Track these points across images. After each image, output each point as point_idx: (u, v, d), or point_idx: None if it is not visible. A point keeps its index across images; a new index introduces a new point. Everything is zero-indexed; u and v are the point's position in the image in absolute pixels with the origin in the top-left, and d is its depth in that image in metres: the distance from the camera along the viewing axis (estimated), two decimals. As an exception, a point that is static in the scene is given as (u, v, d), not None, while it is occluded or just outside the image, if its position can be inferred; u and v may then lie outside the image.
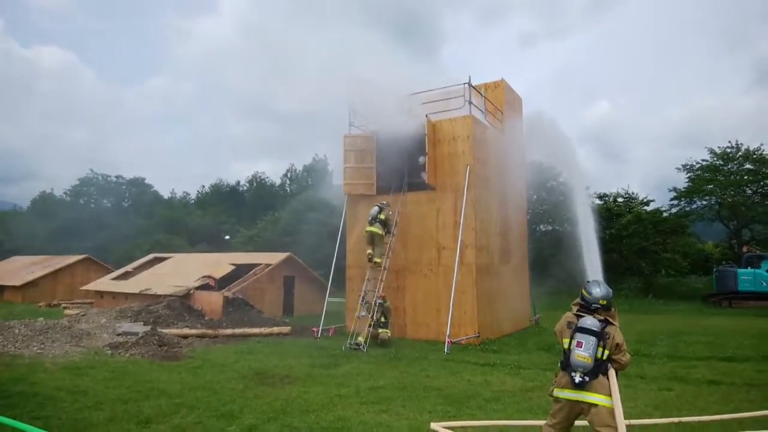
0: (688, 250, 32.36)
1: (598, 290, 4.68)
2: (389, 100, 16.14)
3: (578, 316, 4.69)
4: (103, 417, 6.42)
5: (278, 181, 61.79)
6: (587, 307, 4.69)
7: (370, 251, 14.12)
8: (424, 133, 14.31)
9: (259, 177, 62.81)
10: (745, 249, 28.91)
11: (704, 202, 33.71)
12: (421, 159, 14.63)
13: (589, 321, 4.53)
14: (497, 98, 16.78)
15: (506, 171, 15.72)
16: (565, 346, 4.66)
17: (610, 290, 4.73)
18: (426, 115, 14.40)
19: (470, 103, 14.42)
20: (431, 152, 14.34)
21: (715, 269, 28.05)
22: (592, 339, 4.44)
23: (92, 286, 23.85)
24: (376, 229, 13.97)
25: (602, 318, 4.59)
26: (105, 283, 23.72)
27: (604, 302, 4.63)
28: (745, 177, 31.52)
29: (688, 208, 33.93)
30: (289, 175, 60.56)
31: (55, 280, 28.50)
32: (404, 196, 14.97)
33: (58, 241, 46.72)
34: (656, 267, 30.87)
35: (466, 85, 14.55)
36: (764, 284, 24.38)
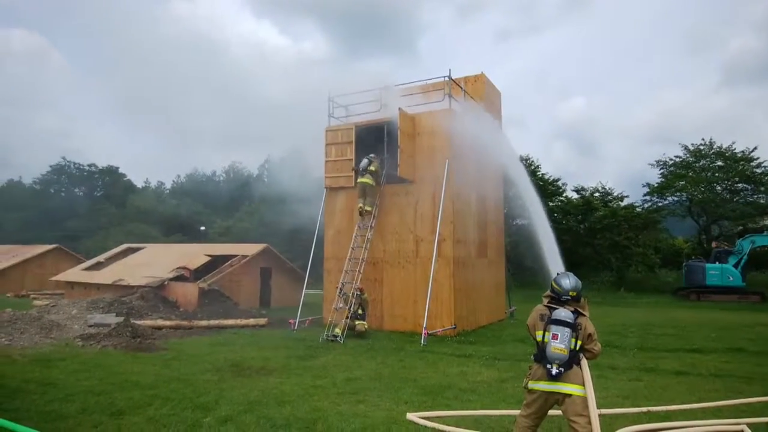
0: (659, 245, 33.19)
1: (568, 282, 4.73)
2: (369, 93, 16.11)
3: (550, 308, 4.75)
4: (74, 409, 6.30)
5: (255, 172, 61.13)
6: (558, 299, 4.75)
7: (360, 205, 14.37)
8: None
9: (236, 167, 62.07)
10: (713, 244, 29.79)
11: (676, 198, 34.54)
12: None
13: (563, 313, 4.59)
14: (477, 92, 16.86)
15: (484, 164, 15.83)
16: (539, 338, 4.72)
17: (579, 282, 4.80)
18: (399, 108, 14.31)
19: (450, 96, 14.45)
20: (408, 145, 14.33)
21: (684, 264, 28.84)
22: (567, 330, 4.50)
23: (63, 276, 23.28)
24: (368, 180, 14.29)
25: (573, 309, 4.66)
26: (76, 273, 23.17)
27: (574, 293, 4.69)
28: (716, 174, 32.39)
29: (660, 204, 34.72)
30: (266, 166, 59.93)
31: (24, 270, 27.74)
32: (383, 188, 14.97)
33: (27, 230, 45.46)
34: (627, 261, 31.63)
35: (447, 79, 14.57)
36: (731, 279, 25.17)
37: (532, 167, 35.22)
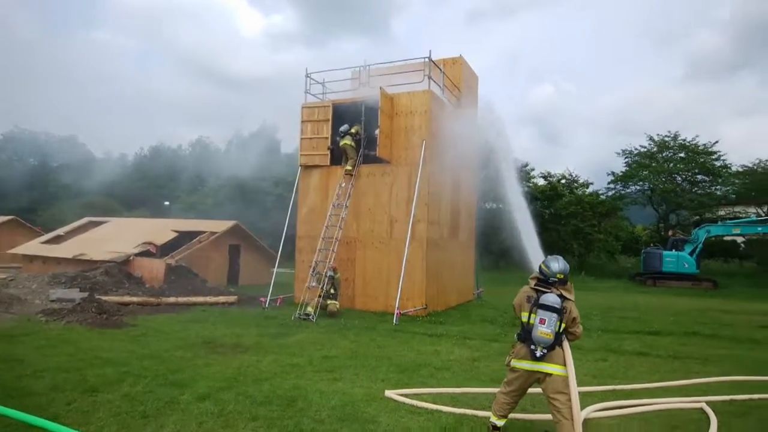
0: (620, 232, 34.33)
1: (557, 265, 4.82)
2: (346, 71, 15.93)
3: (536, 291, 4.85)
4: (44, 386, 6.11)
5: (223, 147, 59.70)
6: (545, 281, 4.85)
7: (349, 167, 14.66)
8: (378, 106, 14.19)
9: (203, 142, 60.46)
10: (670, 233, 31.03)
11: (638, 187, 35.68)
12: (376, 132, 14.54)
13: (551, 298, 4.68)
14: (455, 75, 16.85)
15: (460, 147, 15.91)
16: (524, 319, 4.83)
17: (567, 265, 4.90)
18: (380, 87, 14.24)
19: (429, 77, 14.39)
20: (387, 125, 14.27)
21: (642, 250, 29.95)
22: (554, 316, 4.61)
23: (20, 249, 22.34)
24: (348, 141, 14.61)
25: (558, 293, 4.77)
26: (34, 246, 22.28)
27: (561, 276, 4.79)
28: (678, 165, 33.58)
29: (623, 192, 35.81)
30: (234, 142, 58.62)
31: (-24, 242, 26.45)
32: (359, 168, 14.88)
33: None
34: (589, 247, 32.62)
35: (426, 60, 14.49)
36: (686, 266, 26.31)
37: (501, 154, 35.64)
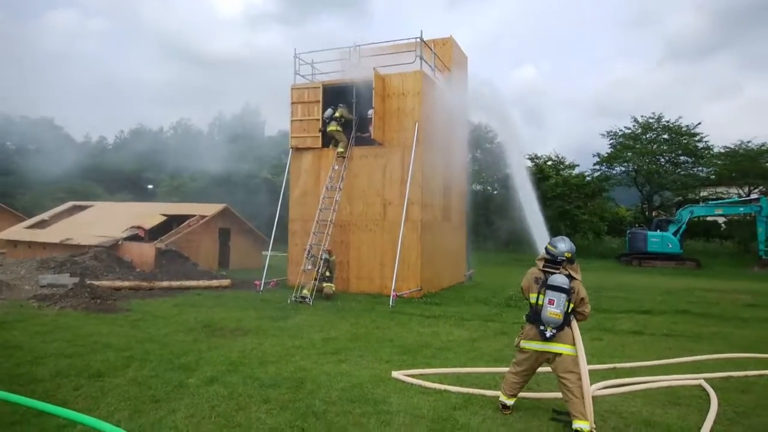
0: (605, 213, 34.81)
1: (563, 245, 4.90)
2: (337, 51, 15.71)
3: (544, 272, 4.90)
4: (47, 372, 6.02)
5: (205, 129, 58.83)
6: (553, 261, 4.90)
7: (341, 149, 14.65)
8: (372, 87, 14.04)
9: (185, 124, 59.44)
10: (654, 213, 31.57)
11: (623, 168, 36.09)
12: (369, 113, 14.42)
13: (560, 278, 4.74)
14: (445, 55, 16.73)
15: (451, 129, 15.87)
16: (533, 301, 4.89)
17: (574, 245, 4.97)
18: (374, 69, 14.08)
19: (421, 58, 14.26)
20: (380, 106, 14.15)
21: (628, 231, 30.43)
22: (563, 296, 4.67)
23: (4, 234, 21.88)
24: (334, 127, 14.61)
25: (566, 273, 4.83)
26: (19, 231, 21.82)
27: (569, 255, 4.86)
28: (662, 147, 34.00)
29: (608, 173, 36.20)
30: (217, 124, 57.85)
31: (-44, 228, 25.77)
32: (351, 150, 14.78)
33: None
34: (575, 228, 33.04)
35: (418, 40, 14.34)
36: (670, 246, 26.83)
37: (489, 135, 35.76)
